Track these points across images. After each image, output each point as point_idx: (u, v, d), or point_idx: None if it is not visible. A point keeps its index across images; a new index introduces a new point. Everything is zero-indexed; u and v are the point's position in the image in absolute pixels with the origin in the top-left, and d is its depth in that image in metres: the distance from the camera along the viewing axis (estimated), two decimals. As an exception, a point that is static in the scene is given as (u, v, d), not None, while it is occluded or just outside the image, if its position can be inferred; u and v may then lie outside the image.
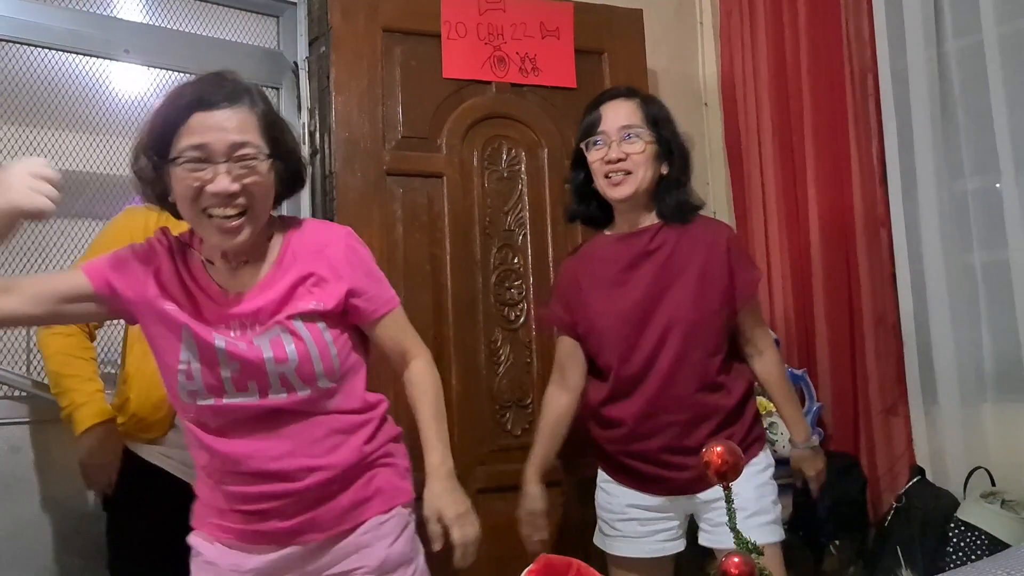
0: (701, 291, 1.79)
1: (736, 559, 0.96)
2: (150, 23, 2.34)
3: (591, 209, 1.93)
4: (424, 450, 1.48)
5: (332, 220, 2.32)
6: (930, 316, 2.41)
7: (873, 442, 2.50)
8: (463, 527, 1.42)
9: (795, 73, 2.77)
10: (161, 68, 2.31)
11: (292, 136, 1.44)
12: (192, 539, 1.47)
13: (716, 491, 1.65)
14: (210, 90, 1.33)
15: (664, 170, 1.83)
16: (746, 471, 1.71)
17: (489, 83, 2.47)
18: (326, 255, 1.43)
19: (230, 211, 1.32)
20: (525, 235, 2.45)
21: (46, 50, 2.15)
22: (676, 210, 1.84)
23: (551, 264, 2.44)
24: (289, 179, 1.43)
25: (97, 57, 2.22)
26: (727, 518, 1.08)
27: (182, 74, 2.35)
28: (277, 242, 1.44)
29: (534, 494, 1.89)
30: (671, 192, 1.84)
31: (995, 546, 2.04)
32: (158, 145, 1.33)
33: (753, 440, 1.85)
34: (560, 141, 2.51)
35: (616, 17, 2.67)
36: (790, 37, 2.78)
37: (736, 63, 2.95)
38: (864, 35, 2.62)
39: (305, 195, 2.46)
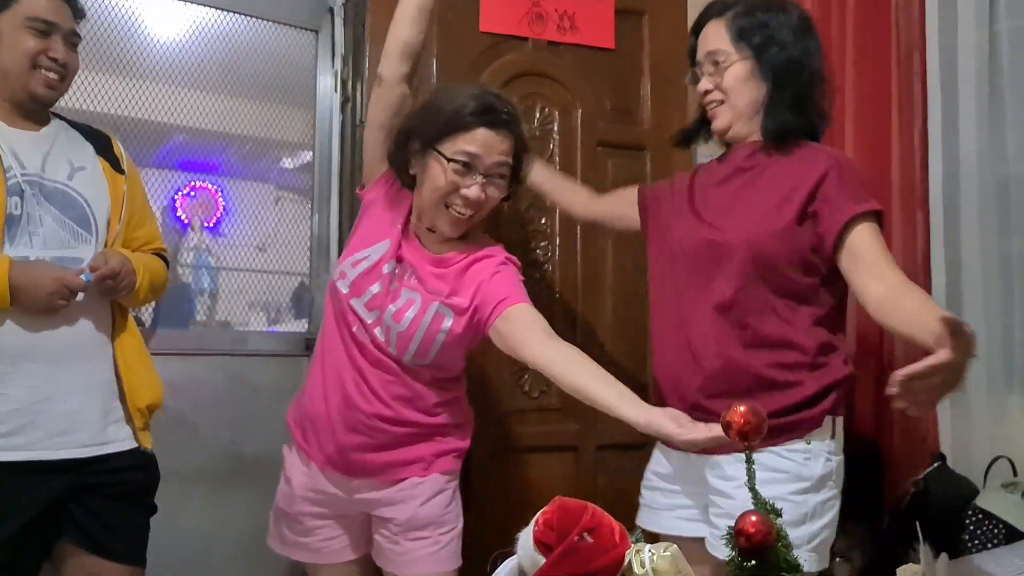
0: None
1: (753, 517, 0.95)
2: (188, -42, 2.33)
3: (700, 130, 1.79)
4: None
5: (360, 171, 2.31)
6: (963, 302, 2.35)
7: (894, 426, 2.46)
8: None
9: (839, 48, 2.69)
10: (198, 4, 2.29)
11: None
12: None
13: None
14: (497, 108, 1.63)
15: (765, 88, 1.63)
16: (766, 464, 1.47)
17: (526, 39, 2.42)
18: (476, 273, 1.68)
19: (467, 211, 1.63)
20: (554, 196, 2.42)
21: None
22: (774, 132, 1.63)
23: (578, 226, 2.42)
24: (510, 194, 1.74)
25: (133, -9, 2.21)
26: (748, 479, 1.07)
27: (220, 11, 2.34)
28: (466, 247, 1.72)
29: None
30: (772, 112, 1.63)
31: (1013, 536, 2.00)
32: (433, 133, 1.61)
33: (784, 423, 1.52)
34: (595, 102, 2.47)
35: (659, -21, 2.62)
36: (836, 11, 2.70)
37: (779, 35, 2.89)
38: (913, 12, 2.53)
39: (335, 144, 2.45)
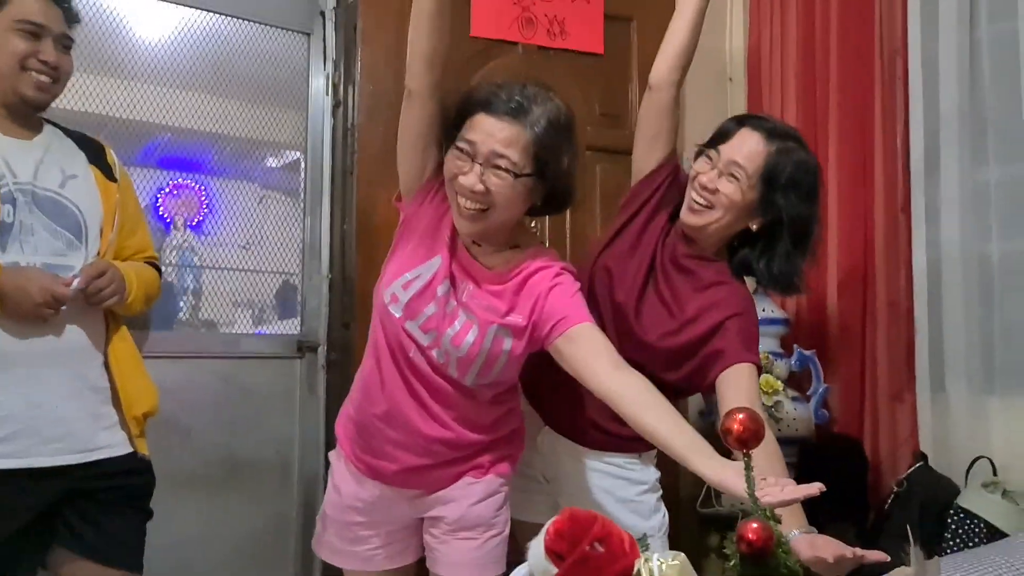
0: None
1: (754, 524, 0.97)
2: (179, -40, 2.31)
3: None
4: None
5: (352, 174, 2.31)
6: (943, 304, 2.40)
7: (878, 426, 2.51)
8: None
9: (823, 52, 2.75)
10: (188, 6, 2.27)
11: (567, 162, 1.58)
12: None
13: None
14: (501, 96, 1.52)
15: (753, 225, 1.65)
16: (612, 473, 1.70)
17: (516, 44, 2.45)
18: (533, 288, 1.57)
19: (471, 204, 1.50)
20: (544, 201, 2.44)
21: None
22: (739, 262, 1.68)
23: (568, 235, 2.44)
24: (549, 198, 1.60)
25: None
26: (746, 486, 1.09)
27: (212, 14, 2.33)
28: (521, 258, 1.60)
29: None
30: (748, 248, 1.68)
31: (993, 535, 2.06)
32: (449, 126, 1.55)
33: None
34: (584, 107, 2.49)
35: (647, -16, 2.64)
36: (820, 14, 2.76)
37: (764, 38, 2.93)
38: (896, 16, 2.58)
39: (326, 148, 2.45)
